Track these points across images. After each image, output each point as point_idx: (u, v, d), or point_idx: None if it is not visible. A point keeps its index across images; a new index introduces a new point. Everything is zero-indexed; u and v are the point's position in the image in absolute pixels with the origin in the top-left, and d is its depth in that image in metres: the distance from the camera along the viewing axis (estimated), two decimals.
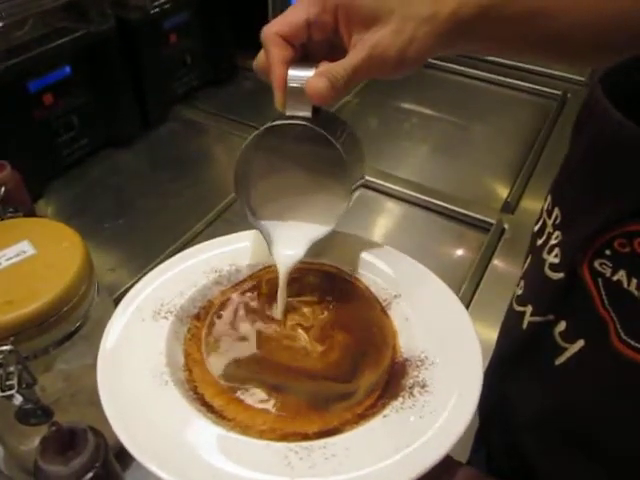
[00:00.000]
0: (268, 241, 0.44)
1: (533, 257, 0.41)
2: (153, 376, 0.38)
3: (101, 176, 1.03)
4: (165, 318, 0.43)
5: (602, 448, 0.37)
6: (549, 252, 0.37)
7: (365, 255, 0.48)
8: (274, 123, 0.39)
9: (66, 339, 0.50)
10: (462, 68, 1.31)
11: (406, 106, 1.25)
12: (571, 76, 1.26)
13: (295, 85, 0.37)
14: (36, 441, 0.49)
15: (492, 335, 0.58)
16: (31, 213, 0.77)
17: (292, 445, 0.34)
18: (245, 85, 1.26)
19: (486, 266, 0.84)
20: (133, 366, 0.39)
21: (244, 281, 0.48)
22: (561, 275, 0.35)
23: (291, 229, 0.45)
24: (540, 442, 0.42)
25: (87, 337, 0.52)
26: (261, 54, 0.39)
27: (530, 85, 1.26)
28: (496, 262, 0.84)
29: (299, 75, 0.37)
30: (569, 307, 0.36)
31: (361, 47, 0.35)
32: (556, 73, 1.27)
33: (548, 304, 0.37)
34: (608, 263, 0.32)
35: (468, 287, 0.80)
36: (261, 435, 0.36)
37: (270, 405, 0.38)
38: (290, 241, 0.44)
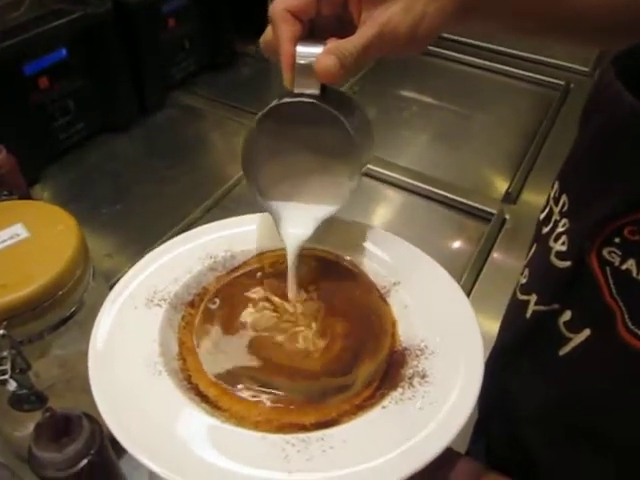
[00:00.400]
0: (276, 220, 0.43)
1: (539, 245, 0.40)
2: (146, 365, 0.37)
3: (98, 161, 1.02)
4: (158, 306, 0.41)
5: (607, 440, 0.36)
6: (556, 240, 0.36)
7: (364, 241, 0.47)
8: (282, 101, 0.38)
9: (61, 324, 0.49)
10: (464, 56, 1.29)
11: (407, 94, 1.24)
12: (574, 66, 1.25)
13: (303, 62, 0.36)
14: (31, 427, 0.48)
15: (492, 326, 0.57)
16: (26, 197, 0.76)
17: (289, 437, 0.34)
18: (244, 71, 1.25)
19: (486, 257, 0.83)
20: (125, 355, 0.38)
21: (239, 267, 0.47)
22: (568, 263, 0.35)
23: (299, 209, 0.44)
24: (543, 435, 0.41)
25: (82, 323, 0.51)
26: (268, 30, 0.38)
27: (533, 75, 1.25)
28: (497, 253, 0.84)
29: (308, 52, 0.36)
30: (575, 296, 0.35)
31: (371, 24, 0.34)
32: (559, 63, 1.26)
33: (553, 293, 0.37)
34: (617, 251, 0.31)
35: (468, 278, 0.79)
36: (256, 426, 0.35)
37: (264, 399, 0.37)
38: (298, 220, 0.43)
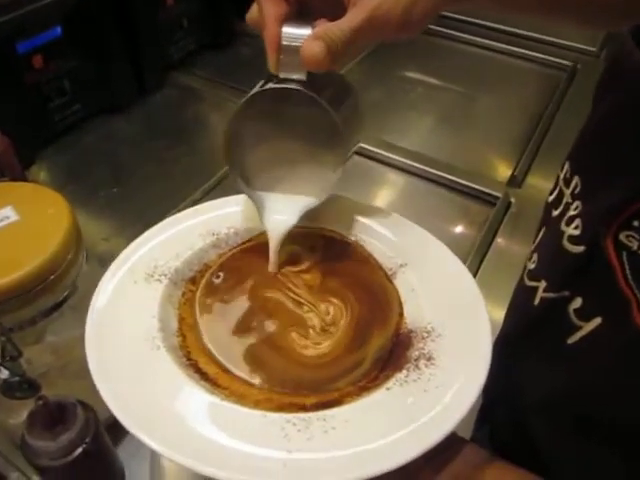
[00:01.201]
0: (259, 208, 0.42)
1: (548, 229, 0.38)
2: (145, 340, 0.36)
3: (95, 143, 1.00)
4: (159, 281, 0.41)
5: (614, 429, 0.35)
6: (568, 223, 0.34)
7: (370, 222, 0.46)
8: (265, 88, 0.36)
9: (53, 310, 0.48)
10: (469, 37, 1.26)
11: (411, 75, 1.21)
12: (582, 46, 1.22)
13: (289, 45, 0.34)
14: (25, 415, 0.47)
15: (497, 312, 0.55)
16: (21, 180, 0.74)
17: (289, 416, 0.33)
18: (244, 51, 1.22)
19: (491, 241, 0.81)
20: (123, 330, 0.37)
21: (243, 244, 0.45)
22: (581, 248, 0.33)
23: (282, 198, 0.43)
24: (548, 423, 0.40)
25: (76, 307, 0.50)
26: (254, 8, 0.36)
27: (539, 55, 1.22)
28: (501, 237, 0.82)
29: (294, 34, 0.34)
30: (587, 283, 0.33)
31: (361, 7, 0.32)
32: (566, 43, 1.23)
33: (564, 279, 0.35)
34: (635, 235, 0.30)
35: (472, 262, 0.77)
36: (256, 405, 0.34)
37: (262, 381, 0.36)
38: (282, 209, 0.42)
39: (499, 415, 0.49)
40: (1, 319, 0.44)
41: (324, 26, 0.33)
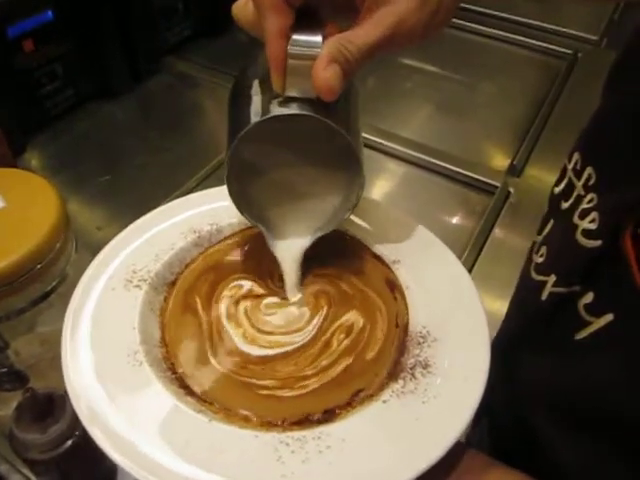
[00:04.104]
0: (268, 240, 0.40)
1: (558, 222, 0.37)
2: (127, 355, 0.34)
3: (88, 130, 0.98)
4: (138, 287, 0.38)
5: (621, 428, 0.34)
6: (582, 217, 0.33)
7: (361, 214, 0.43)
8: (273, 114, 0.32)
9: (42, 299, 0.46)
10: (469, 24, 1.24)
11: (409, 63, 1.19)
12: (583, 34, 1.20)
13: (298, 63, 0.30)
14: (14, 407, 0.46)
15: (494, 305, 0.55)
16: (12, 167, 0.73)
17: (282, 436, 0.31)
18: (240, 37, 1.20)
19: (489, 231, 0.80)
20: (103, 345, 0.35)
21: (225, 239, 0.43)
22: (597, 243, 0.31)
23: (291, 226, 0.40)
24: (549, 419, 0.39)
25: (65, 297, 0.48)
26: (245, 2, 0.33)
27: (539, 43, 1.20)
28: (500, 228, 0.81)
29: (303, 50, 0.30)
30: (601, 278, 0.32)
31: (381, 21, 0.29)
32: (567, 31, 1.21)
33: (576, 274, 0.33)
34: None
35: (470, 253, 0.76)
36: (247, 422, 0.32)
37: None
38: (292, 236, 0.40)
39: (498, 409, 0.48)
40: None
41: (338, 42, 0.30)
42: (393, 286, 0.40)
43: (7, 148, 0.75)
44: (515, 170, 0.89)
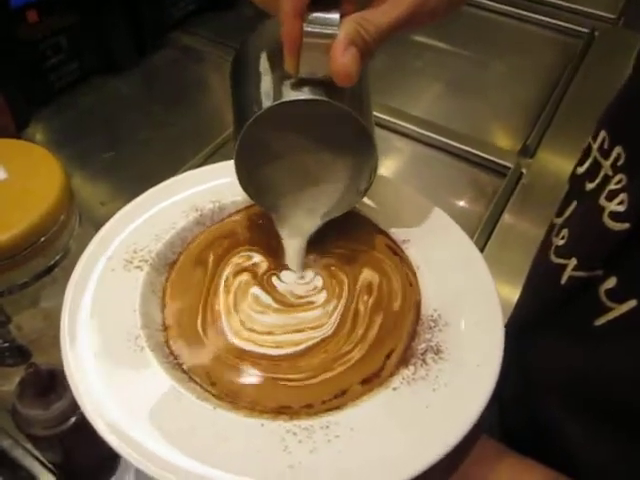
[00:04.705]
0: (275, 219, 0.39)
1: (582, 204, 0.35)
2: (127, 340, 0.33)
3: (93, 104, 0.97)
4: (139, 268, 0.37)
5: (635, 414, 0.33)
6: (610, 199, 0.31)
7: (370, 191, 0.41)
8: (288, 99, 0.31)
9: (45, 274, 0.45)
10: (482, 0, 1.21)
11: (420, 40, 1.16)
12: (600, 12, 1.17)
13: (314, 42, 0.29)
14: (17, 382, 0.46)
15: (505, 290, 0.53)
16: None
17: (289, 425, 0.29)
18: (247, 11, 1.17)
19: (501, 213, 0.78)
20: (103, 329, 0.33)
21: (229, 217, 0.42)
22: (626, 226, 0.30)
23: (301, 211, 0.39)
24: (563, 406, 0.38)
25: (69, 272, 0.47)
26: None
27: (554, 21, 1.17)
28: (512, 209, 0.79)
29: (320, 29, 0.29)
30: (626, 262, 0.30)
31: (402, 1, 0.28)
32: (583, 9, 1.18)
33: (600, 258, 0.32)
34: None
35: (480, 235, 0.74)
36: (253, 408, 0.31)
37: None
38: (300, 219, 0.39)
39: (509, 396, 0.47)
40: None
41: (356, 22, 0.28)
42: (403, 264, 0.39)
43: (10, 119, 0.73)
44: (528, 151, 0.87)
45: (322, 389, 0.32)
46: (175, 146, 0.90)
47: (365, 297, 0.37)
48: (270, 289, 0.37)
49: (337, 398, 0.32)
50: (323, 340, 0.35)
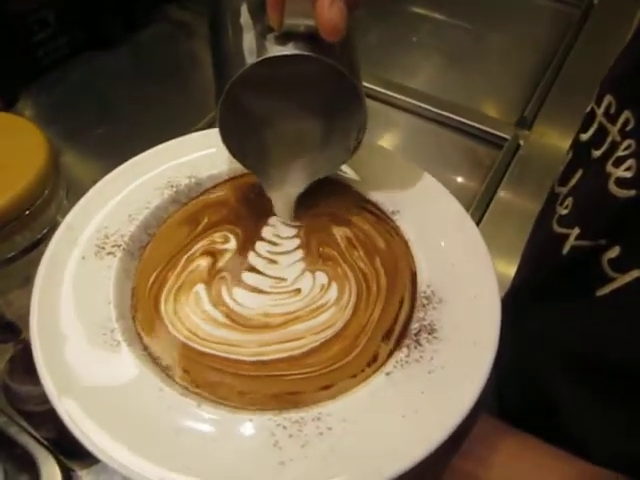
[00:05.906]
0: (262, 181, 0.37)
1: (588, 171, 0.34)
2: (102, 334, 0.31)
3: (82, 80, 0.95)
4: (111, 254, 0.34)
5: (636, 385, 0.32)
6: (616, 165, 0.30)
7: (357, 158, 0.39)
8: (272, 54, 0.29)
9: (32, 248, 0.44)
10: None
11: (417, 11, 1.14)
12: None
13: None
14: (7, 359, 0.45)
15: (500, 265, 0.52)
16: None
17: (279, 419, 0.28)
18: None
19: (498, 184, 0.77)
20: (76, 324, 0.31)
21: (206, 192, 0.39)
22: (632, 193, 0.29)
23: (289, 171, 0.37)
24: (563, 377, 0.38)
25: None
26: None
27: None
28: (509, 182, 0.78)
29: None
30: (630, 231, 0.30)
31: None
32: None
33: (603, 226, 0.31)
34: None
35: (477, 208, 0.74)
36: (240, 399, 0.29)
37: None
38: (289, 180, 0.37)
39: (506, 366, 0.46)
40: None
41: None
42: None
43: None
44: (525, 122, 0.86)
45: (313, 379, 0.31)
46: (167, 122, 0.88)
47: (355, 253, 0.36)
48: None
49: (326, 389, 0.30)
50: (330, 339, 0.33)
